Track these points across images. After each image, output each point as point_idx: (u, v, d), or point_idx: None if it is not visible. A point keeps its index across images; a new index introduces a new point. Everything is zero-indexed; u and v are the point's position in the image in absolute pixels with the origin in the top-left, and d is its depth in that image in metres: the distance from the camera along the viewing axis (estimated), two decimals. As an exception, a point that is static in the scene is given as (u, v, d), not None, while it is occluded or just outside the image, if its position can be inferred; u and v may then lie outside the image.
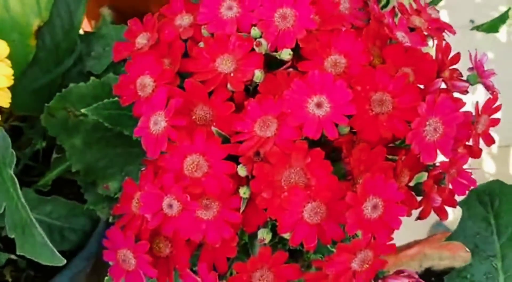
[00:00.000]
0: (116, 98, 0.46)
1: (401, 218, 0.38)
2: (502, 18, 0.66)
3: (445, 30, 0.48)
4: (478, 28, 0.69)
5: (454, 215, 0.53)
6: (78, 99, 0.51)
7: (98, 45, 0.58)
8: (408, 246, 0.69)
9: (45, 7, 0.50)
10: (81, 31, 0.59)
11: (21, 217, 0.40)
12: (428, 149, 0.39)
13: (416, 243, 0.69)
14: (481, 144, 0.44)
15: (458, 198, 0.53)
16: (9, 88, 0.51)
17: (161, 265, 0.41)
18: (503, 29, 1.39)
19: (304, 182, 0.38)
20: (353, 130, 0.40)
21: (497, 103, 0.45)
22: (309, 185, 0.37)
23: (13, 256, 0.57)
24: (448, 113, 0.39)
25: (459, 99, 0.43)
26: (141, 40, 0.45)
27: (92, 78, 0.51)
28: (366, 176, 0.37)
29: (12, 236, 0.41)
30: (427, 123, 0.39)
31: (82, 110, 0.45)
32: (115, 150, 0.55)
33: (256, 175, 0.38)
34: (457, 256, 0.68)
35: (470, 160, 0.43)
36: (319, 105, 0.38)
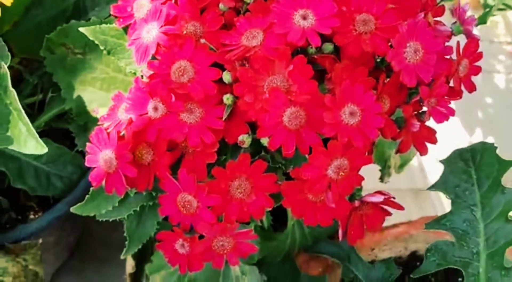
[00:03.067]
0: (114, 25, 0.48)
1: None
2: (491, 10, 0.69)
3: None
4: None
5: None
6: (78, 36, 0.53)
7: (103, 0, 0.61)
8: (394, 225, 0.68)
9: None
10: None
11: (7, 113, 0.41)
12: (408, 70, 0.40)
13: (402, 224, 0.69)
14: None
15: (440, 158, 0.55)
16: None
17: (142, 172, 0.41)
18: (502, 76, 1.42)
19: (286, 87, 0.39)
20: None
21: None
22: (291, 91, 0.39)
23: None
24: (428, 39, 0.41)
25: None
26: (143, -27, 0.48)
27: (93, 17, 0.53)
28: (346, 82, 0.38)
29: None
30: (408, 45, 0.40)
31: (80, 29, 0.46)
32: (108, 93, 0.56)
33: (240, 78, 0.39)
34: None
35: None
36: (304, 17, 0.40)
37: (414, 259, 0.69)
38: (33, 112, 0.63)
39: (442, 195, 0.94)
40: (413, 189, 0.98)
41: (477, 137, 1.11)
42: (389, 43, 0.42)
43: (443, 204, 0.97)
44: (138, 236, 0.51)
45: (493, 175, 0.49)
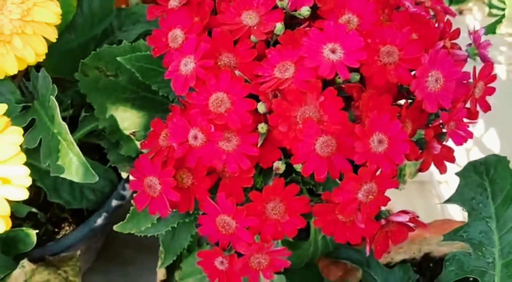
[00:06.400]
0: (148, 52, 0.51)
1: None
2: (499, 20, 0.71)
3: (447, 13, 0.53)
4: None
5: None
6: (110, 60, 0.55)
7: (129, 20, 0.64)
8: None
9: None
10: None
11: (56, 143, 0.43)
12: (430, 98, 0.43)
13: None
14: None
15: (455, 170, 0.58)
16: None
17: (183, 195, 0.45)
18: (503, 67, 1.45)
19: (318, 117, 0.42)
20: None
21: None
22: (322, 121, 0.42)
23: (34, 210, 0.61)
24: (448, 67, 0.44)
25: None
26: (173, 2, 0.50)
27: (124, 41, 0.56)
28: (373, 113, 0.41)
29: (46, 164, 0.45)
30: (429, 74, 0.43)
31: (118, 58, 0.49)
32: (139, 112, 0.59)
33: (274, 109, 0.42)
34: (456, 243, 0.71)
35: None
36: (333, 51, 0.42)
37: (427, 260, 0.73)
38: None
39: (445, 188, 0.97)
40: (418, 181, 1.01)
41: (479, 128, 1.14)
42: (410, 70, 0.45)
43: (447, 196, 1.00)
44: (173, 249, 0.54)
45: (506, 188, 0.52)
